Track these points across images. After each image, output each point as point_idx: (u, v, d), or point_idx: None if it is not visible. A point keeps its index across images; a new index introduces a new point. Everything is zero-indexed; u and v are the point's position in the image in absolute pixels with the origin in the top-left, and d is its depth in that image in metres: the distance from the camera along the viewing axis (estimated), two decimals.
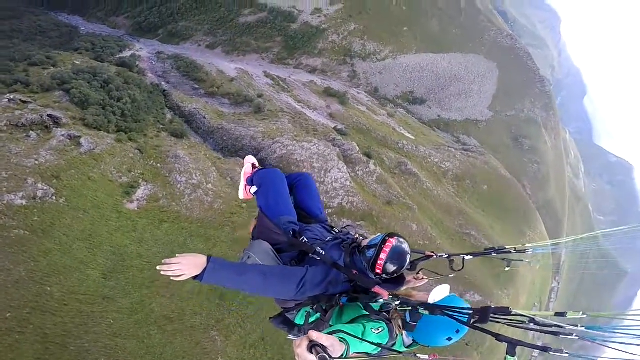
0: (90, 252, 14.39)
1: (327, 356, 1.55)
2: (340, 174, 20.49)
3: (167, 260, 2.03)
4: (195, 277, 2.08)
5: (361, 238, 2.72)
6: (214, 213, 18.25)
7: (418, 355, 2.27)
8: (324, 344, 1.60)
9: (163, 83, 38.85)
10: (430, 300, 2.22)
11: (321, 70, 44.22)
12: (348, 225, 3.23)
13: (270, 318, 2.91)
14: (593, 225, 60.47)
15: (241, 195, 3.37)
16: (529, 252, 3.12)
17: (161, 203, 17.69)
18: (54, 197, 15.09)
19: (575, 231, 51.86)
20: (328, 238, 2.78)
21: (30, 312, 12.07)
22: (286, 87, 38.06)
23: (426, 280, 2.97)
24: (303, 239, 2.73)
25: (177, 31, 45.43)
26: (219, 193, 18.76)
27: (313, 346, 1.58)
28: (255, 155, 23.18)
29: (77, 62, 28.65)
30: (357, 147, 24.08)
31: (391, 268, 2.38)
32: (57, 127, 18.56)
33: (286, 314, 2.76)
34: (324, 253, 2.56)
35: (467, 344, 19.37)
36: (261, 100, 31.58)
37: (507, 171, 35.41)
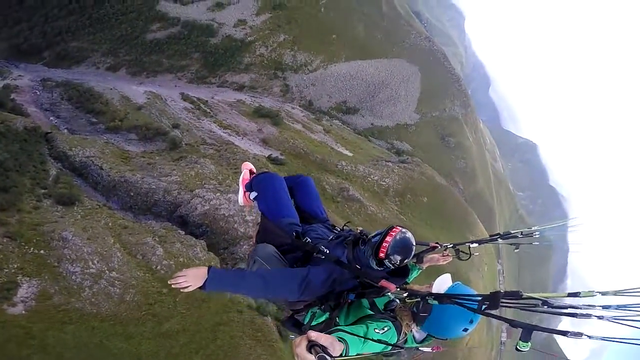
0: None
1: (326, 356, 1.55)
2: None
3: (175, 275, 2.17)
4: (200, 288, 2.19)
5: (364, 234, 2.68)
6: (128, 306, 14.74)
7: (421, 348, 2.30)
8: (323, 344, 1.60)
9: (52, 118, 31.86)
10: (434, 290, 2.18)
11: (250, 87, 40.99)
12: (348, 222, 3.11)
13: (281, 321, 3.22)
14: (516, 203, 68.23)
15: (241, 201, 3.39)
16: (537, 235, 3.13)
17: (55, 301, 14.29)
18: None
19: (503, 213, 57.68)
20: (331, 237, 2.82)
21: None
22: (209, 110, 34.11)
23: (451, 259, 3.06)
24: (306, 239, 2.75)
25: (68, 53, 37.80)
26: (129, 281, 15.10)
27: (312, 346, 1.58)
28: (172, 213, 19.54)
29: None
30: None
31: (397, 258, 2.35)
32: None
33: (296, 316, 2.75)
34: (327, 252, 2.57)
35: None
36: (177, 133, 27.36)
37: (441, 175, 36.98)
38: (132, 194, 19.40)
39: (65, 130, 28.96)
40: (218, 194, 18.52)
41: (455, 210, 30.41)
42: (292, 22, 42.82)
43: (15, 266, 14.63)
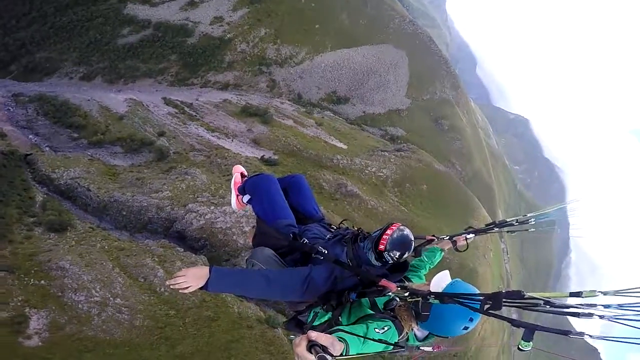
0: None
1: (326, 356, 1.53)
2: None
3: (175, 274, 2.11)
4: (201, 288, 2.13)
5: (362, 231, 2.72)
6: (139, 332, 14.36)
7: (421, 347, 2.32)
8: (323, 344, 1.58)
9: (31, 136, 30.25)
10: (433, 288, 2.18)
11: (235, 85, 39.45)
12: (345, 220, 3.22)
13: (284, 322, 3.01)
14: (514, 178, 68.72)
15: (234, 206, 3.37)
16: (532, 222, 3.16)
17: (68, 330, 14.12)
18: None
19: (502, 190, 58.04)
20: (328, 236, 2.82)
21: None
22: (194, 113, 32.79)
23: (471, 239, 3.22)
24: (304, 240, 2.75)
25: (36, 64, 35.67)
26: (135, 306, 14.64)
27: (312, 346, 1.56)
28: (168, 229, 18.77)
29: None
30: None
31: (395, 253, 2.37)
32: None
33: (299, 317, 2.74)
34: (326, 252, 2.57)
35: None
36: (164, 141, 26.20)
37: (438, 158, 36.58)
38: (124, 213, 18.54)
39: (48, 148, 27.52)
40: (212, 207, 17.78)
41: (456, 196, 30.19)
42: (272, 15, 41.05)
43: (20, 299, 14.31)
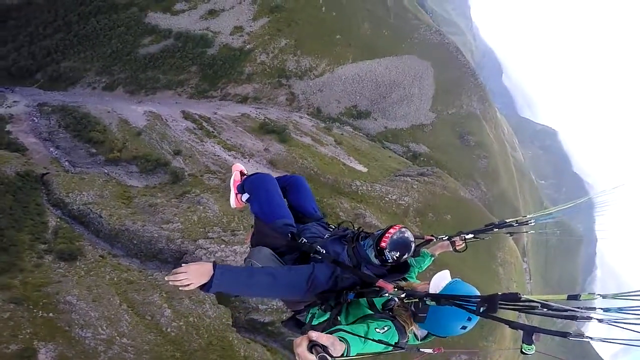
0: None
1: (327, 356, 1.51)
2: None
3: (174, 270, 2.02)
4: (202, 286, 2.03)
5: (363, 230, 2.75)
6: None
7: (422, 350, 2.30)
8: (324, 344, 1.57)
9: (52, 149, 30.57)
10: (432, 287, 2.18)
11: (254, 98, 38.83)
12: (344, 221, 3.15)
13: (282, 322, 3.01)
14: (540, 194, 64.96)
15: (233, 204, 3.36)
16: (532, 223, 3.21)
17: None
18: None
19: (527, 207, 54.80)
20: (327, 235, 2.81)
21: None
22: (212, 129, 32.30)
23: (463, 245, 3.20)
24: (302, 239, 2.72)
25: (61, 73, 36.23)
26: (141, 346, 14.09)
27: (313, 346, 1.55)
28: (178, 259, 17.91)
29: None
30: None
31: (395, 254, 2.39)
32: None
33: (297, 316, 2.75)
34: (324, 251, 2.57)
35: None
36: (179, 161, 25.72)
37: (462, 178, 34.55)
38: (135, 242, 18.04)
39: (67, 163, 27.69)
40: (223, 245, 17.00)
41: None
42: (292, 25, 40.10)
43: (29, 331, 14.13)
